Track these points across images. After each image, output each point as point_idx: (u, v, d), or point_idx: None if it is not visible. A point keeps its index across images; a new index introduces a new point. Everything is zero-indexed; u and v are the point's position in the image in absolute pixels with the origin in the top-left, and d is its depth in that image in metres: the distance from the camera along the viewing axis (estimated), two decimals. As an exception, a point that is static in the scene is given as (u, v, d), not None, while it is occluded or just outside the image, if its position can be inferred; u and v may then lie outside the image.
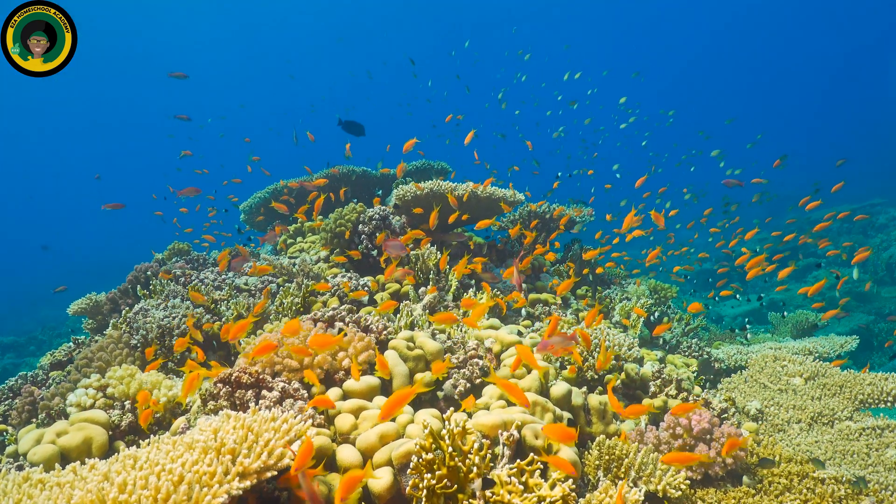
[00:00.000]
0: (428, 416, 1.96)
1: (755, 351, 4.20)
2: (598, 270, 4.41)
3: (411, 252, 3.65)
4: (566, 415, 2.37)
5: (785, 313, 5.61)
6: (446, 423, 1.71)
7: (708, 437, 2.41)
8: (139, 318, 3.31)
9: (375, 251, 3.90)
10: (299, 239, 4.82)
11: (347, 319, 2.46)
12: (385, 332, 2.46)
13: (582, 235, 5.17)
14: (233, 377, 1.94)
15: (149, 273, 3.97)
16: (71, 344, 3.74)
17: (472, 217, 4.53)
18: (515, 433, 1.76)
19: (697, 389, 3.26)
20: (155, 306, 3.41)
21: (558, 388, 2.41)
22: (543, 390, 2.41)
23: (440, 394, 2.37)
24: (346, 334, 2.33)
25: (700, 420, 2.42)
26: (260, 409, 1.92)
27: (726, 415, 2.88)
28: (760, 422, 3.11)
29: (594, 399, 2.57)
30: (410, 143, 4.01)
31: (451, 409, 1.74)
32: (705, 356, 4.21)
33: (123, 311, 3.45)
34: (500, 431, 1.79)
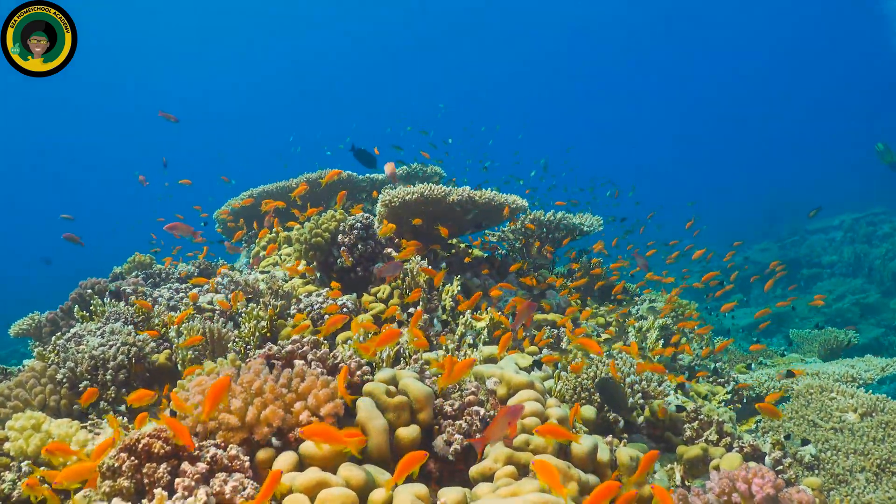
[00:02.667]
0: (412, 497, 1.43)
1: (794, 378, 3.68)
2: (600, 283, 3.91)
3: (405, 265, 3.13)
4: (592, 479, 1.84)
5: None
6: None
7: (773, 505, 1.89)
8: (71, 345, 2.76)
9: (359, 267, 3.38)
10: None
11: (310, 357, 1.92)
12: (360, 373, 1.92)
13: (590, 246, 4.70)
14: (140, 445, 1.40)
15: (90, 290, 3.41)
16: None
17: (468, 225, 4.01)
18: (535, 534, 1.23)
19: (739, 430, 2.75)
20: (91, 332, 2.86)
21: (582, 443, 1.88)
22: (564, 447, 1.88)
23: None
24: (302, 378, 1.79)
25: (763, 484, 1.89)
26: (175, 493, 1.38)
27: (781, 466, 2.36)
28: (817, 471, 2.59)
29: (623, 454, 2.04)
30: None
31: (443, 500, 1.21)
32: (732, 382, 3.69)
33: (54, 338, 2.89)
34: (512, 529, 1.26)
